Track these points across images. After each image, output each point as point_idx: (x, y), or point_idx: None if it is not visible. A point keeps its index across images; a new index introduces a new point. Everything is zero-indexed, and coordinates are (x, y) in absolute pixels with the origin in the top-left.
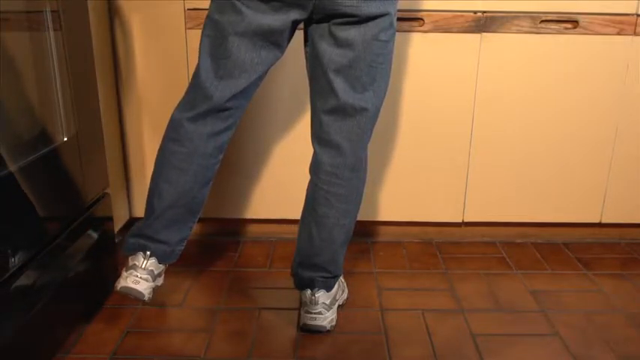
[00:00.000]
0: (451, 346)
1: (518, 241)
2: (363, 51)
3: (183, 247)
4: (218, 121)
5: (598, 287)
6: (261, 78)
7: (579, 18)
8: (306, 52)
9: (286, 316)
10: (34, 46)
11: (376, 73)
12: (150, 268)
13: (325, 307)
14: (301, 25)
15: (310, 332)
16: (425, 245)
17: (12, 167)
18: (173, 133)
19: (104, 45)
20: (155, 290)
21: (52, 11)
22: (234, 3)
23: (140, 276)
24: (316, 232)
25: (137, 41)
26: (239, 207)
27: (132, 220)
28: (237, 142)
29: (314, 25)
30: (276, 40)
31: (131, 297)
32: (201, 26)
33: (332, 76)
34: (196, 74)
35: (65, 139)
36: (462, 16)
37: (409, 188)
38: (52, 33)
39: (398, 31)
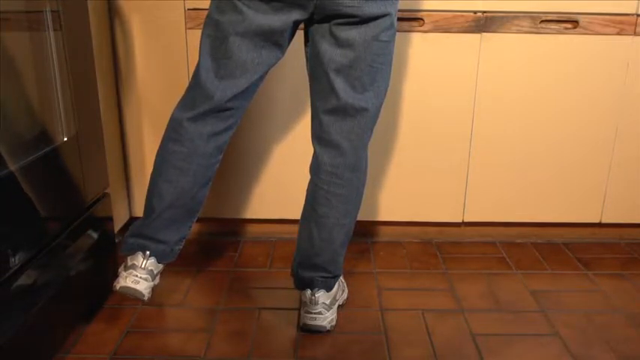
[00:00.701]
0: (451, 346)
1: (518, 241)
2: (364, 51)
3: (181, 247)
4: (218, 121)
5: (598, 287)
6: (261, 78)
7: (579, 18)
8: (306, 52)
9: (286, 316)
10: (34, 46)
11: (377, 73)
12: (149, 268)
13: (325, 307)
14: (301, 25)
15: (310, 332)
16: (425, 245)
17: (12, 167)
18: (173, 133)
19: (104, 45)
20: (153, 290)
21: (52, 11)
22: (234, 3)
23: (140, 276)
24: (316, 232)
25: (137, 41)
26: (239, 207)
27: (132, 220)
28: (237, 142)
29: (315, 26)
30: (277, 41)
31: (131, 297)
32: (202, 26)
33: (332, 76)
34: (196, 74)
35: (65, 139)
36: (462, 16)
37: (409, 188)
38: (52, 33)
39: (398, 31)
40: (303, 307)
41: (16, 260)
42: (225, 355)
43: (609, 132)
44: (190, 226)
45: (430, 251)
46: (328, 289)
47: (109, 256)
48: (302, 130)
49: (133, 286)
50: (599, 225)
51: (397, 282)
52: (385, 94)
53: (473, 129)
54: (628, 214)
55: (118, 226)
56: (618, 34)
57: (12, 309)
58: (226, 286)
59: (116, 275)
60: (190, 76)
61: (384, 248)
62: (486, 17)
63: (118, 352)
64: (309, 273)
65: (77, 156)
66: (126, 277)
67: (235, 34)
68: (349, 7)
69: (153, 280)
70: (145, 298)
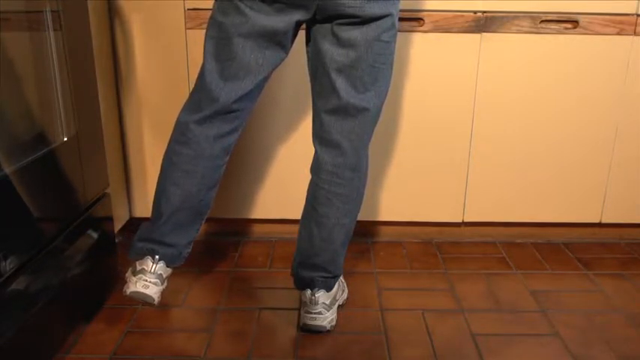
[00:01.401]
0: (451, 346)
1: (518, 241)
2: (365, 51)
3: (190, 250)
4: (224, 123)
5: (598, 287)
6: (266, 79)
7: (579, 18)
8: (307, 52)
9: (286, 316)
10: (34, 46)
11: (378, 73)
12: (159, 272)
13: (325, 307)
14: (303, 25)
15: (310, 332)
16: (425, 245)
17: (12, 167)
18: (180, 136)
19: (104, 45)
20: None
21: (52, 11)
22: (237, 5)
23: (149, 280)
24: (317, 232)
25: (137, 41)
26: (239, 207)
27: (132, 221)
28: (238, 142)
29: (316, 26)
30: (280, 41)
31: (141, 301)
32: (202, 26)
33: (334, 75)
34: (201, 76)
35: (65, 139)
36: (462, 16)
37: (409, 188)
38: (52, 33)
39: (398, 31)
40: (303, 307)
41: (16, 260)
42: (225, 355)
43: (609, 132)
44: (198, 229)
45: (430, 251)
46: (328, 289)
47: (109, 257)
48: (303, 130)
49: (143, 290)
50: (599, 225)
51: (397, 282)
52: (386, 95)
53: (473, 129)
54: (628, 214)
55: (117, 226)
56: (618, 34)
57: (12, 309)
58: (226, 286)
59: (116, 275)
60: (190, 76)
61: (384, 248)
62: (486, 17)
63: (118, 352)
64: (309, 273)
65: (77, 156)
66: (136, 281)
67: (239, 35)
68: (351, 7)
69: (162, 284)
70: (155, 302)
